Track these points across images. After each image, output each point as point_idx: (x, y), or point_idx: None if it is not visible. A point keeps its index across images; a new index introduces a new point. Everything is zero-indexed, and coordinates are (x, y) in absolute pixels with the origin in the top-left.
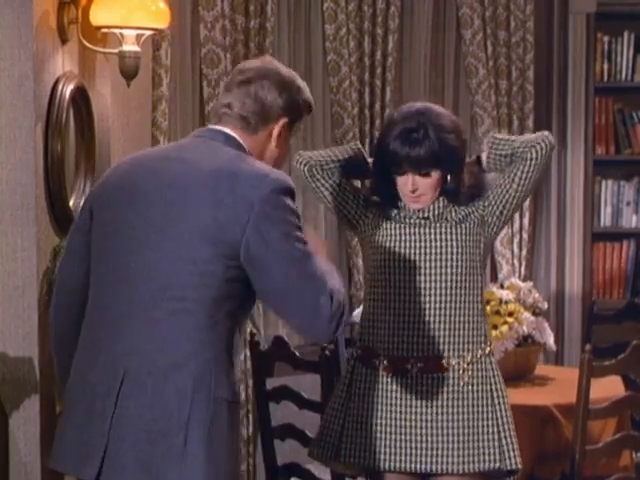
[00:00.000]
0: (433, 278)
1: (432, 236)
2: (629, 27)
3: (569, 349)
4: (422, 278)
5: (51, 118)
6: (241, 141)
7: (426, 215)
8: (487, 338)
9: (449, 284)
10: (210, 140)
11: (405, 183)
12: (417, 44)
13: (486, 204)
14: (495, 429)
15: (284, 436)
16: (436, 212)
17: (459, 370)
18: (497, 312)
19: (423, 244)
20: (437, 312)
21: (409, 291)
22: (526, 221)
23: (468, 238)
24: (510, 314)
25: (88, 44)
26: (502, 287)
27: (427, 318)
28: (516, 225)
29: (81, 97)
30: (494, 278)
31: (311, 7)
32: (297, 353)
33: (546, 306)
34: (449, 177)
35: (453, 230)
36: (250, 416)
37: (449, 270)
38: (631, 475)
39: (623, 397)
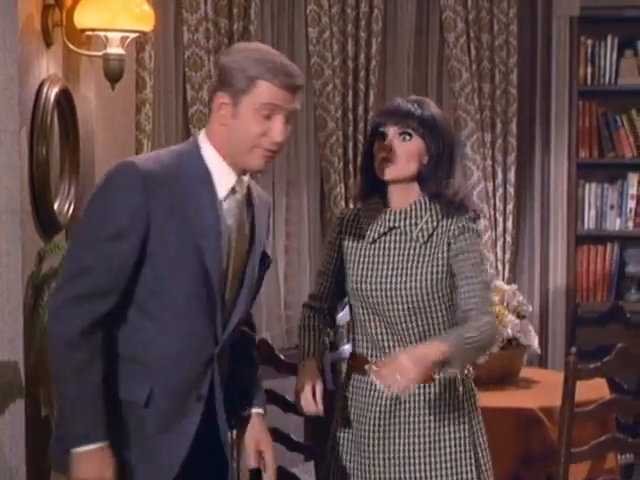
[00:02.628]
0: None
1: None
2: (612, 31)
3: (553, 352)
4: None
5: (36, 122)
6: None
7: (400, 219)
8: None
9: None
10: None
11: (382, 147)
12: (400, 47)
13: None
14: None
15: None
16: (412, 214)
17: (447, 384)
18: None
19: (390, 259)
20: (414, 321)
21: (386, 307)
22: (510, 224)
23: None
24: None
25: (73, 47)
26: None
27: (405, 325)
28: (500, 228)
29: (65, 100)
30: None
31: (294, 10)
32: (281, 356)
33: (531, 309)
34: (431, 168)
35: (420, 252)
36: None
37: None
38: (616, 477)
39: (608, 400)
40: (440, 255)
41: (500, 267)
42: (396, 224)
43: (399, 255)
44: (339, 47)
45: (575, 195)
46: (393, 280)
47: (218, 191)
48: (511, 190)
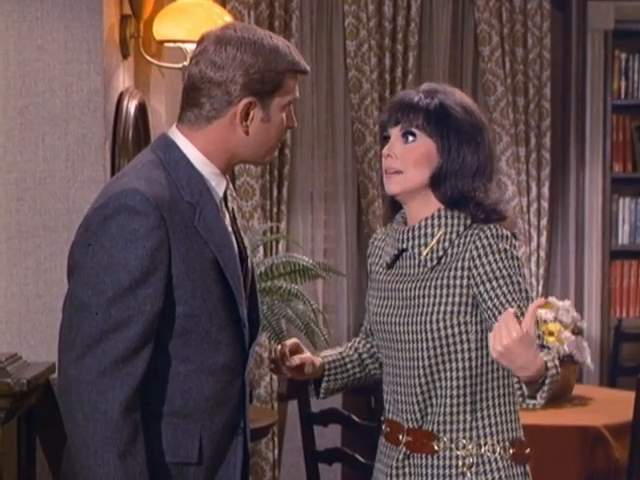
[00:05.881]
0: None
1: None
2: None
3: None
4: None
5: (117, 135)
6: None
7: (409, 238)
8: (509, 433)
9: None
10: None
11: (384, 155)
12: (436, 61)
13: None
14: None
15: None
16: (422, 232)
17: (454, 457)
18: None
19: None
20: (424, 377)
21: (398, 350)
22: (543, 239)
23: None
24: (551, 333)
25: (151, 59)
26: None
27: (415, 382)
28: (534, 243)
29: (141, 114)
30: None
31: (333, 23)
32: None
33: (585, 325)
34: (448, 173)
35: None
36: (276, 439)
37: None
38: None
39: None
40: (452, 282)
41: (534, 282)
42: (404, 245)
43: (408, 282)
44: (376, 60)
45: (609, 210)
46: (400, 313)
47: (215, 198)
48: (545, 205)
